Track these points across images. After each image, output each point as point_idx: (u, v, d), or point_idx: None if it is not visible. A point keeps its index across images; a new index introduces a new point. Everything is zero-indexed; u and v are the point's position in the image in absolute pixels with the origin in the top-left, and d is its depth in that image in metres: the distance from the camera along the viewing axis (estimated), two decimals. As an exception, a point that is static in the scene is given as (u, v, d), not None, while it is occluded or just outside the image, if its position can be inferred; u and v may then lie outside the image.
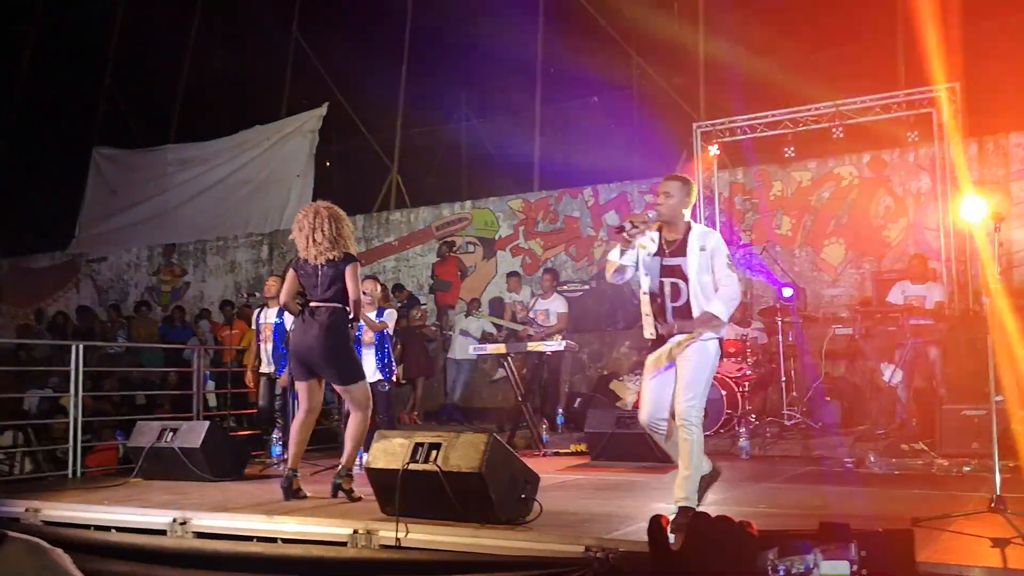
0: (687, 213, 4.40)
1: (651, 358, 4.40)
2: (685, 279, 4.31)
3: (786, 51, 11.27)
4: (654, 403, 4.33)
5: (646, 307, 4.42)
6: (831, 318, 9.44)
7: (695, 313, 4.28)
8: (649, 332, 4.42)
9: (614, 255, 4.36)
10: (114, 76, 16.81)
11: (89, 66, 16.90)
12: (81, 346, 7.05)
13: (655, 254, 4.39)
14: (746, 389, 8.37)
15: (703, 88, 11.93)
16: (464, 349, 10.53)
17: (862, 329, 8.07)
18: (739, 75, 11.16)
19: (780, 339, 8.50)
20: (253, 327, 8.00)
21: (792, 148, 10.04)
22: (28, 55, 17.37)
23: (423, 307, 11.74)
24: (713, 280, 4.32)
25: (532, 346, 8.60)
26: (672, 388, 4.31)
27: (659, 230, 4.42)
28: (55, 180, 16.82)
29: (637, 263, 4.39)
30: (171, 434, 6.42)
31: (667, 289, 4.36)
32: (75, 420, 6.85)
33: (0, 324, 16.17)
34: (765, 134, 10.34)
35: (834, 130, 9.88)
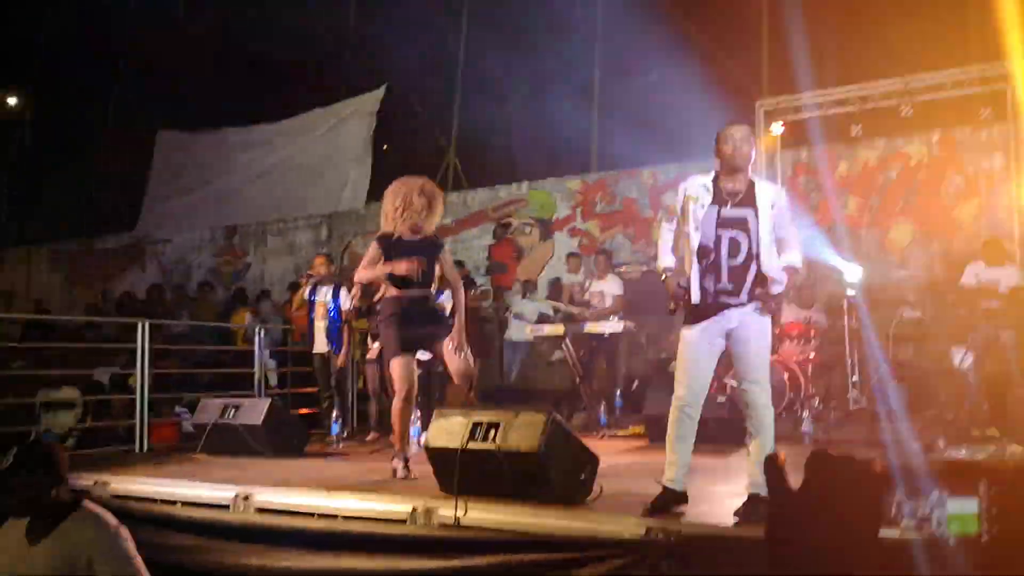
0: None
1: (695, 330, 4.02)
2: (747, 234, 3.95)
3: (853, 26, 10.97)
4: (701, 383, 4.04)
5: (693, 267, 3.99)
6: (898, 300, 9.18)
7: (751, 275, 3.94)
8: (697, 297, 3.98)
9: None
10: (177, 59, 17.08)
11: (153, 50, 17.21)
12: (147, 323, 7.19)
13: (711, 203, 3.99)
14: (809, 372, 8.20)
15: (766, 65, 11.68)
16: (520, 331, 10.49)
17: (932, 312, 7.84)
18: (803, 51, 10.87)
19: (845, 322, 8.30)
20: (304, 297, 8.06)
21: (859, 126, 9.79)
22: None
23: (480, 287, 11.73)
24: (779, 240, 4.03)
25: (590, 327, 8.52)
26: (714, 368, 4.06)
27: (714, 179, 4.06)
28: (121, 163, 17.21)
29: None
30: (233, 411, 6.52)
31: (724, 244, 3.94)
32: (141, 396, 6.99)
33: (69, 304, 16.64)
34: (831, 112, 10.08)
35: (903, 108, 9.58)
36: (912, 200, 10.17)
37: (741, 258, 3.96)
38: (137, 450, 6.97)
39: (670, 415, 4.10)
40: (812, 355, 8.28)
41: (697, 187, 4.05)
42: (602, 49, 13.00)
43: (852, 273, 8.86)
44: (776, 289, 4.06)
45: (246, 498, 4.74)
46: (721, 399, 6.60)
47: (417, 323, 5.15)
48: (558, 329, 8.53)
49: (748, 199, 3.99)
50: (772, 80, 11.50)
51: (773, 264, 4.00)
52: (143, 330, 7.07)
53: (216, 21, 16.62)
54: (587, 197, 12.32)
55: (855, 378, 8.27)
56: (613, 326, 8.36)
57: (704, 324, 4.01)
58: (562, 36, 12.82)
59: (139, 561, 3.30)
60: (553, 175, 12.81)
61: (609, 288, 9.55)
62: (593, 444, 5.45)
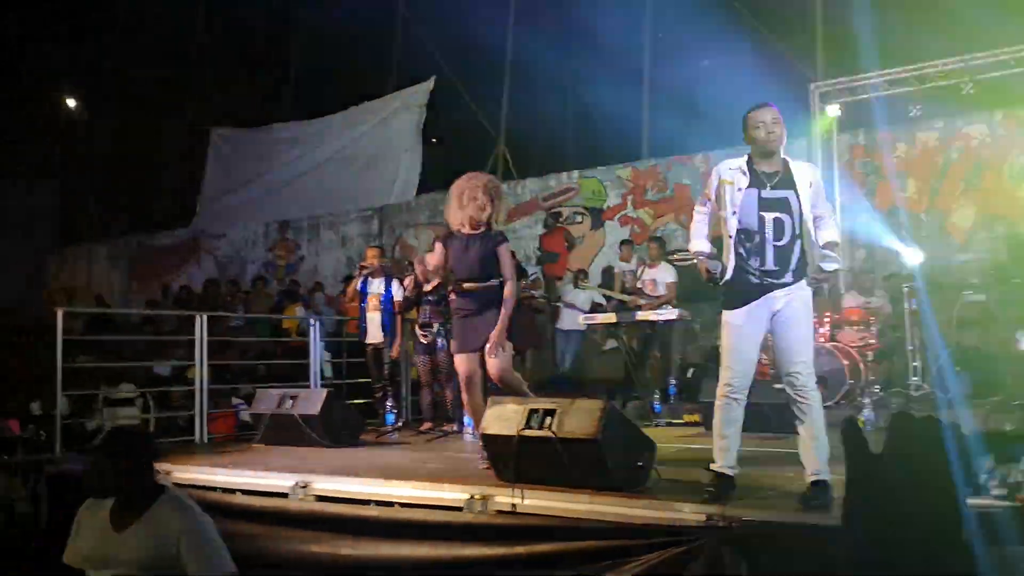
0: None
1: (740, 314, 3.96)
2: (790, 215, 3.93)
3: (910, 3, 10.68)
4: (747, 367, 3.97)
5: (730, 250, 3.98)
6: (961, 284, 8.94)
7: (795, 256, 3.93)
8: (739, 280, 3.96)
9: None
10: (227, 57, 17.34)
11: (204, 48, 17.50)
12: (205, 316, 7.31)
13: (750, 186, 3.96)
14: (869, 359, 8.03)
15: (821, 46, 11.43)
16: (572, 320, 10.45)
17: (996, 295, 7.62)
18: (859, 31, 10.62)
19: (906, 307, 8.11)
20: (357, 288, 8.12)
21: (918, 107, 9.54)
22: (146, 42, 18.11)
23: (532, 277, 11.70)
24: (816, 218, 4.02)
25: (642, 315, 8.44)
26: (759, 351, 4.01)
27: (749, 160, 4.03)
28: (178, 160, 17.55)
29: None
30: (290, 401, 6.59)
31: (768, 224, 3.91)
32: (200, 387, 7.11)
33: (129, 300, 17.03)
34: (888, 92, 9.84)
35: (963, 87, 9.32)
36: (974, 182, 9.88)
37: (786, 239, 3.95)
38: (197, 440, 7.09)
39: (716, 401, 4.06)
40: (872, 341, 8.11)
41: (732, 171, 4.03)
42: (651, 34, 12.85)
43: (913, 257, 8.66)
44: (829, 266, 4.06)
45: (305, 486, 4.79)
46: (778, 385, 6.47)
47: (467, 318, 5.18)
48: (610, 318, 8.47)
49: (787, 180, 3.99)
50: (827, 62, 11.25)
51: (816, 242, 4.01)
52: (201, 323, 7.18)
53: (265, 18, 16.82)
54: (638, 184, 12.21)
55: (917, 364, 8.08)
56: (666, 314, 8.28)
57: (749, 307, 3.96)
58: (611, 22, 12.68)
59: (224, 548, 3.34)
60: (603, 163, 12.72)
61: (661, 276, 9.45)
62: (648, 433, 5.41)
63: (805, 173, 4.04)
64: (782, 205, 3.94)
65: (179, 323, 11.48)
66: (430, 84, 14.68)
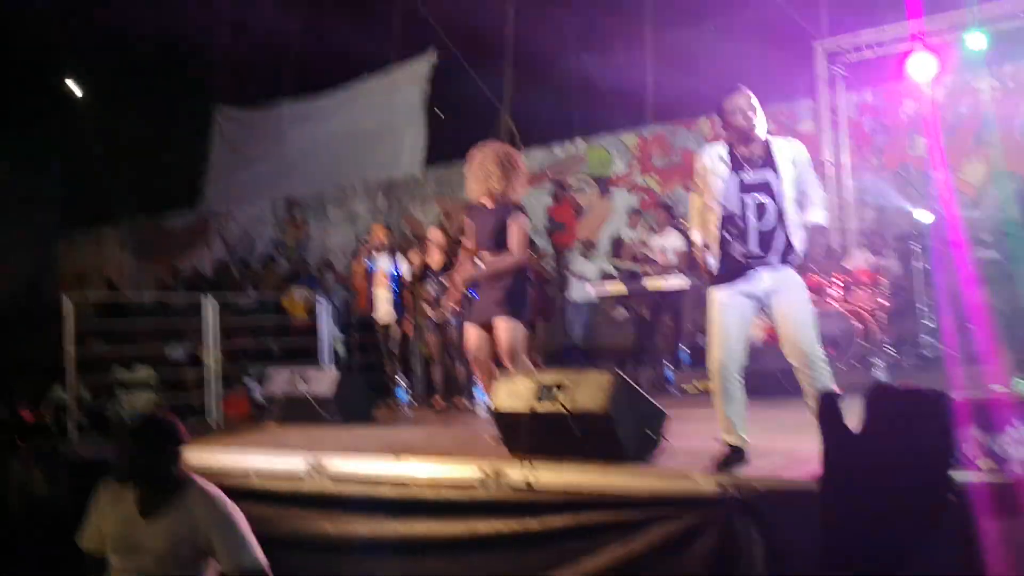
0: None
1: (724, 291, 4.00)
2: (772, 196, 3.93)
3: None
4: (737, 343, 3.98)
5: (713, 234, 4.01)
6: (973, 241, 8.85)
7: (779, 237, 3.93)
8: (724, 263, 4.00)
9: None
10: (232, 35, 17.20)
11: (207, 27, 17.35)
12: (212, 298, 7.31)
13: (731, 170, 3.96)
14: (882, 320, 7.98)
15: (825, 3, 11.24)
16: (582, 290, 10.43)
17: (1007, 252, 7.54)
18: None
19: (917, 266, 8.05)
20: (364, 265, 8.12)
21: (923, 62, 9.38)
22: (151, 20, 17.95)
23: (540, 249, 11.67)
24: (803, 195, 4.00)
25: (652, 284, 8.41)
26: (748, 330, 4.03)
27: (729, 144, 4.03)
28: (184, 140, 17.48)
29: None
30: (303, 381, 6.61)
31: (750, 207, 3.93)
32: (211, 370, 7.14)
33: (140, 283, 17.07)
34: (894, 49, 9.69)
35: (971, 40, 9.16)
36: (984, 136, 9.75)
37: (769, 222, 3.95)
38: (212, 424, 7.12)
39: (711, 384, 4.10)
40: (884, 302, 8.06)
41: (713, 158, 4.04)
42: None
43: (923, 215, 8.58)
44: (795, 254, 4.02)
45: (319, 466, 4.80)
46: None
47: (480, 290, 5.16)
48: (620, 287, 8.44)
49: (767, 160, 3.98)
50: (832, 20, 11.06)
51: (797, 222, 3.98)
52: (209, 305, 7.19)
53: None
54: (645, 152, 12.12)
55: (928, 323, 8.03)
56: (677, 282, 8.24)
57: (735, 284, 4.00)
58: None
59: (254, 540, 3.35)
60: (609, 129, 12.61)
61: (671, 243, 9.37)
62: (660, 401, 5.39)
63: (786, 151, 4.01)
64: (763, 188, 3.95)
65: (190, 306, 11.52)
66: (432, 56, 14.54)
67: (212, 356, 7.17)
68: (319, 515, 4.66)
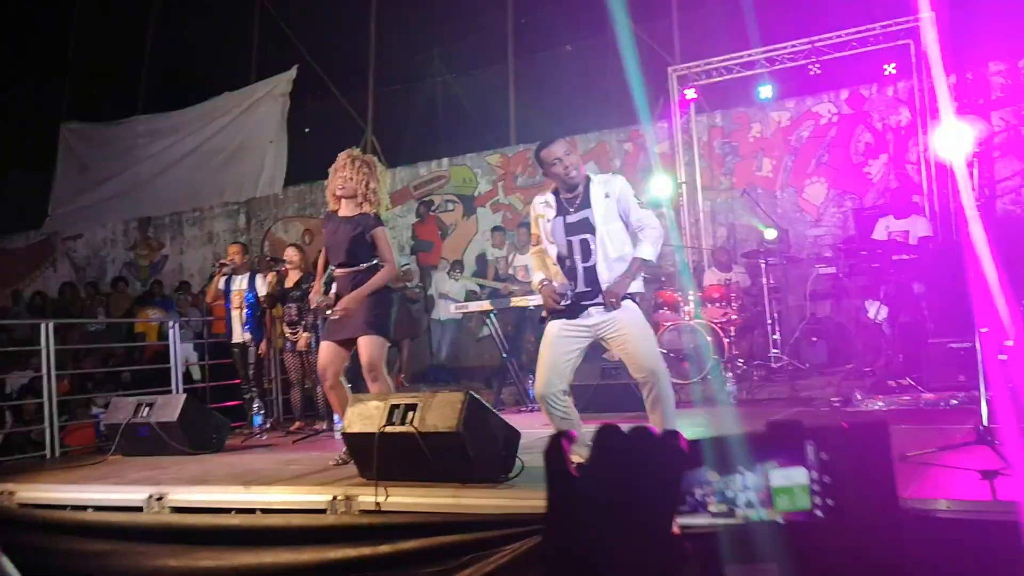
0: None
1: (555, 325, 4.21)
2: (593, 231, 4.14)
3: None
4: (558, 374, 4.16)
5: (554, 269, 4.26)
6: (815, 258, 9.35)
7: (603, 271, 4.12)
8: (561, 292, 4.21)
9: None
10: (79, 49, 16.42)
11: (53, 40, 16.50)
12: (51, 324, 6.90)
13: (556, 215, 4.22)
14: (732, 334, 8.29)
15: (677, 31, 11.68)
16: (447, 309, 10.42)
17: (845, 267, 7.97)
18: (713, 16, 10.92)
19: (764, 282, 8.42)
20: (219, 287, 7.86)
21: (770, 87, 9.89)
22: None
23: (406, 267, 11.59)
24: (627, 226, 4.19)
25: (515, 301, 8.45)
26: (573, 360, 4.20)
27: (555, 192, 4.27)
28: (25, 158, 16.50)
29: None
30: (147, 409, 6.27)
31: (576, 247, 4.18)
32: (49, 400, 6.72)
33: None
34: (741, 74, 10.17)
35: (811, 67, 9.72)
36: (824, 158, 10.34)
37: (593, 259, 4.16)
38: (48, 456, 6.70)
39: (540, 406, 4.30)
40: (734, 316, 8.38)
41: (541, 205, 4.32)
42: (514, 20, 12.85)
43: (769, 233, 8.98)
44: (641, 251, 4.19)
45: (160, 498, 4.59)
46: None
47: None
48: (484, 305, 8.46)
49: (584, 199, 4.20)
50: (684, 46, 11.50)
51: (615, 255, 4.16)
52: (47, 331, 6.77)
53: (117, 8, 15.97)
54: (508, 171, 12.24)
55: (776, 336, 8.40)
56: (539, 299, 8.30)
57: (564, 320, 4.20)
58: (475, 11, 12.65)
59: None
60: (473, 151, 12.68)
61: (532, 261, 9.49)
62: (523, 418, 5.42)
63: (600, 187, 4.20)
64: (583, 226, 4.18)
65: (31, 331, 10.86)
66: (292, 73, 14.26)
67: (49, 385, 6.74)
68: (160, 549, 4.44)
